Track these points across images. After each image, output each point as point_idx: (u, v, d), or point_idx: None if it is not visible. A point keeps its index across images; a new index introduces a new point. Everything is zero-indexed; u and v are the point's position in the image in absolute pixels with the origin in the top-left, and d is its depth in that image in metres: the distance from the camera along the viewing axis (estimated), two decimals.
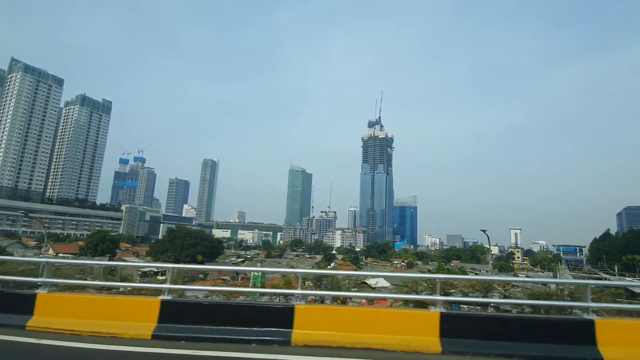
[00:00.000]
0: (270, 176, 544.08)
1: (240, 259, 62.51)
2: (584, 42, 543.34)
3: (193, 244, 50.10)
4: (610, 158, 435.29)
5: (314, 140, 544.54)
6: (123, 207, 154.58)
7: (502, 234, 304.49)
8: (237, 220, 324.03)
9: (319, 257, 69.09)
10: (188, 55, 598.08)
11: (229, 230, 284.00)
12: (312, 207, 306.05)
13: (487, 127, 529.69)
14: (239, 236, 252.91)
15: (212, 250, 52.06)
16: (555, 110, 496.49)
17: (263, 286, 20.63)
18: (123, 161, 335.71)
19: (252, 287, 22.38)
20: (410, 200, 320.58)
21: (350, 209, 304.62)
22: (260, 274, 25.24)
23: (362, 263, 74.77)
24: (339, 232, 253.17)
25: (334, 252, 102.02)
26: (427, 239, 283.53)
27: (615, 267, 49.69)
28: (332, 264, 57.29)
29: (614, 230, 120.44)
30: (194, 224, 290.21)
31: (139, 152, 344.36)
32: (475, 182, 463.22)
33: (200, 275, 40.10)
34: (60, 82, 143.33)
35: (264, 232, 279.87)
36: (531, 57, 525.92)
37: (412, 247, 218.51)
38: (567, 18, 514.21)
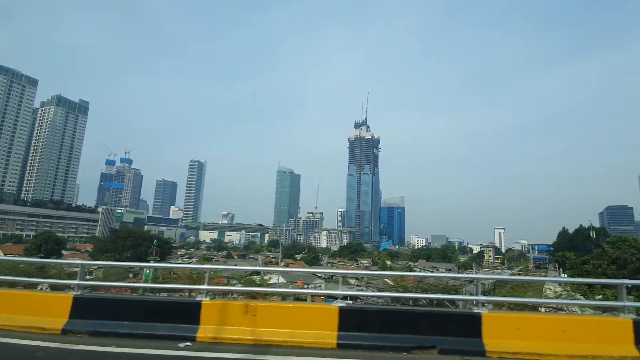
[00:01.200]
0: (261, 177, 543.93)
1: (191, 258, 62.36)
2: (575, 44, 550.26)
3: (135, 244, 50.07)
4: (599, 157, 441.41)
5: (306, 141, 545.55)
6: (100, 209, 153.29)
7: (488, 233, 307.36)
8: (226, 222, 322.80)
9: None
10: (179, 55, 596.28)
11: (217, 232, 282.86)
12: (299, 208, 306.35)
13: (479, 127, 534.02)
14: (226, 238, 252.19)
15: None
16: (545, 110, 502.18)
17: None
18: (109, 162, 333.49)
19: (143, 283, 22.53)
20: (398, 200, 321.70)
21: (339, 210, 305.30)
22: (151, 270, 25.40)
23: (322, 262, 74.90)
24: (325, 232, 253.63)
25: (302, 253, 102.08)
26: (414, 239, 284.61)
27: (556, 264, 50.65)
28: (282, 263, 57.13)
29: None
30: (179, 225, 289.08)
31: (125, 153, 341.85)
32: (464, 182, 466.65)
33: (130, 275, 40.22)
34: (34, 82, 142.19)
35: (251, 234, 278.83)
36: (519, 58, 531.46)
37: (397, 247, 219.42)
38: (556, 20, 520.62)
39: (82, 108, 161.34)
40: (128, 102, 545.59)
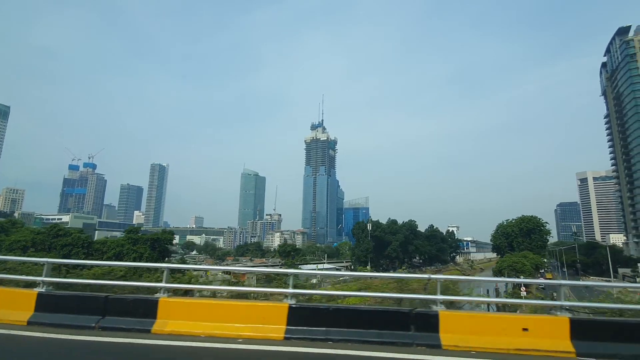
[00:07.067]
0: (229, 180, 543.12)
1: None
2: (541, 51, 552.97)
3: None
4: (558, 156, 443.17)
5: (279, 143, 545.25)
6: (16, 214, 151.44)
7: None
8: (194, 225, 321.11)
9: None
10: (157, 57, 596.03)
11: (178, 236, 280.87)
12: (258, 210, 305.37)
13: (456, 128, 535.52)
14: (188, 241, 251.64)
15: None
16: (519, 112, 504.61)
17: None
18: (73, 167, 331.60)
19: None
20: (362, 201, 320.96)
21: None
22: None
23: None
24: (278, 234, 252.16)
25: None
26: None
27: None
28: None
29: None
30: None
31: (89, 157, 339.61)
32: (434, 181, 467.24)
33: None
34: None
35: (212, 237, 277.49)
36: (492, 66, 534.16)
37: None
38: (532, 26, 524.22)
39: (1, 112, 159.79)
40: (99, 104, 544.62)
